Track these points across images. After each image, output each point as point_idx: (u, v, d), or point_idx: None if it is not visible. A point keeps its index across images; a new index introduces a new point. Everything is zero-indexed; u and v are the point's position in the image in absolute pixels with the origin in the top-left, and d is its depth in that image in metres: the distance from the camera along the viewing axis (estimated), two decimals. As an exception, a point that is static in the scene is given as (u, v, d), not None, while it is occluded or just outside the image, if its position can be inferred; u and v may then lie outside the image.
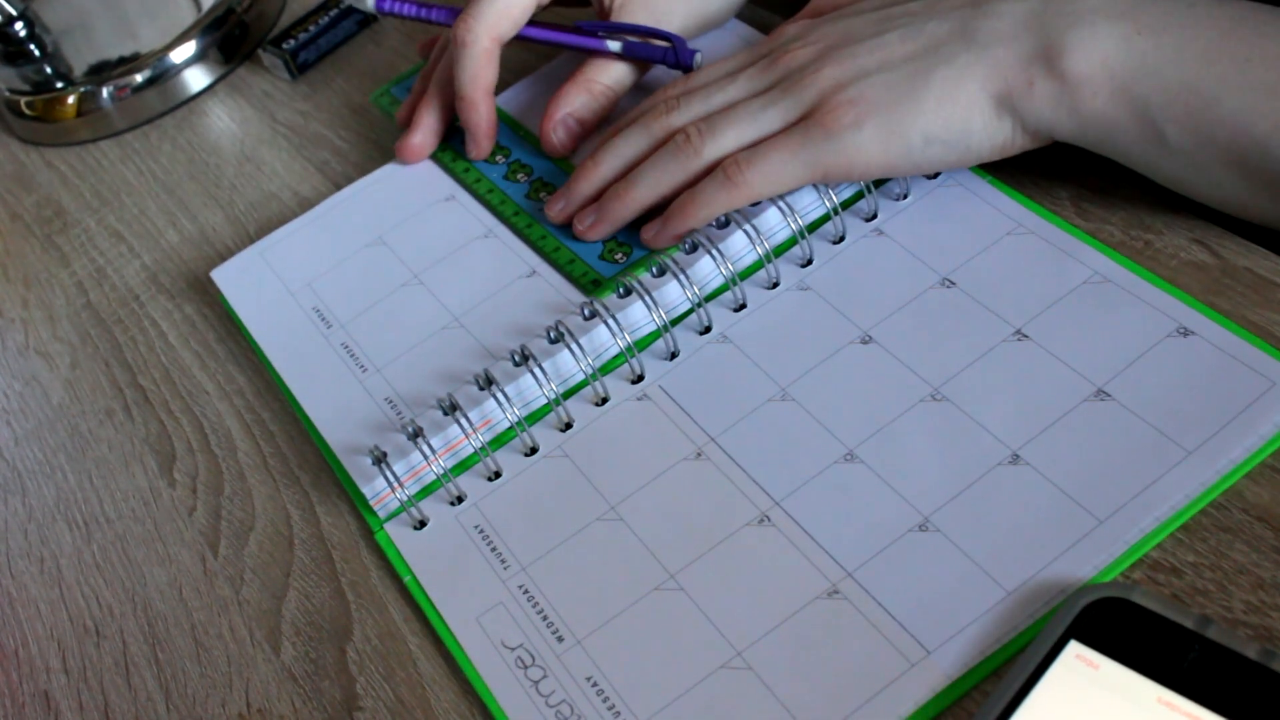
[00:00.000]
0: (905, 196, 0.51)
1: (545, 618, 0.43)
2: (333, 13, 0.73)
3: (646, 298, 0.49)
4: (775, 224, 0.50)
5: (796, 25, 0.53)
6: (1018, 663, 0.36)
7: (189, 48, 0.74)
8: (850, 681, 0.39)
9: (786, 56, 0.51)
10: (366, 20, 0.74)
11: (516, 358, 0.49)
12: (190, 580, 0.50)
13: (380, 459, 0.47)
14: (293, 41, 0.72)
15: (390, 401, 0.51)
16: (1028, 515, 0.41)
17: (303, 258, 0.59)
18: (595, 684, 0.41)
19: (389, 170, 0.62)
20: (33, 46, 0.77)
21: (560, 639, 0.43)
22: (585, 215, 0.54)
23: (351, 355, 0.54)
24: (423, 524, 0.48)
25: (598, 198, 0.54)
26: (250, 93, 0.74)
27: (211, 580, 0.50)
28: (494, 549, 0.46)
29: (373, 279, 0.57)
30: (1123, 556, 0.39)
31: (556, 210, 0.55)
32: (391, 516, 0.48)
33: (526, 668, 0.42)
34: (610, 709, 0.41)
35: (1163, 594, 0.38)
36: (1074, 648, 0.36)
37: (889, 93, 0.47)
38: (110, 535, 0.53)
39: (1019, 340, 0.45)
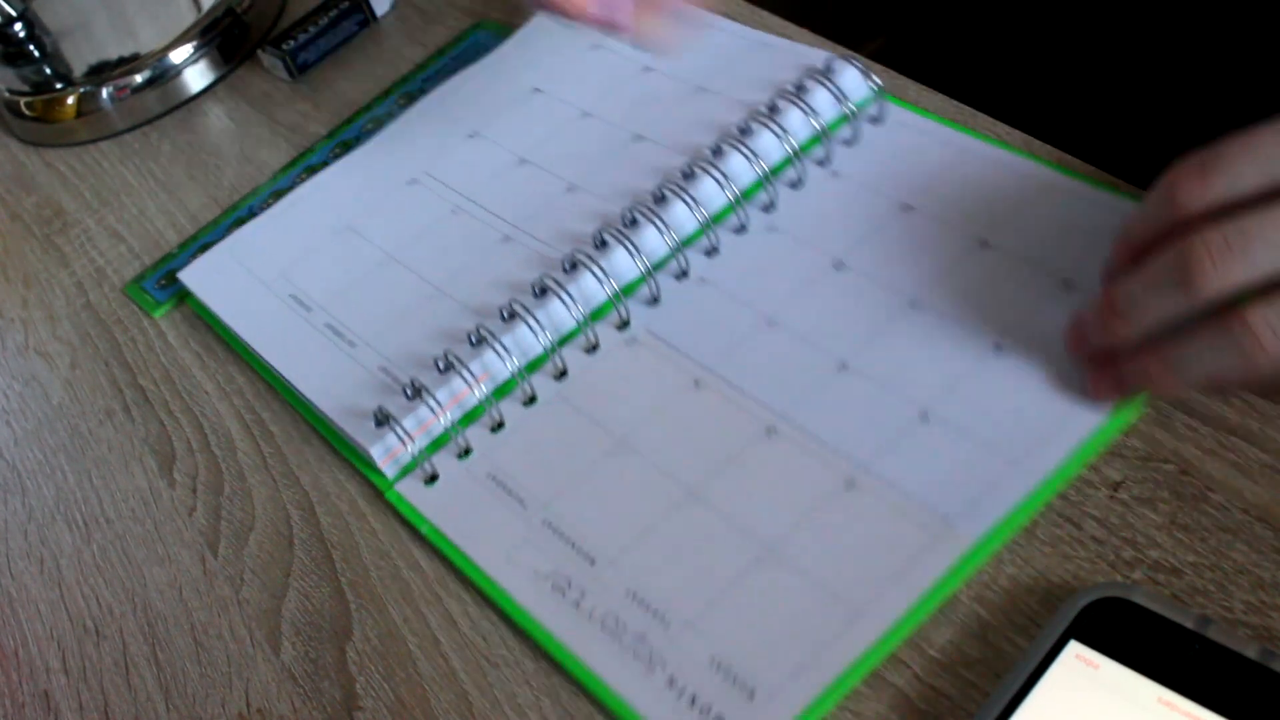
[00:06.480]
0: (856, 142, 0.54)
1: (574, 545, 0.45)
2: (333, 13, 0.73)
3: (627, 243, 0.50)
4: (741, 170, 0.53)
5: None
6: (1018, 663, 0.36)
7: (189, 48, 0.74)
8: (879, 560, 0.41)
9: None
10: (366, 20, 0.74)
11: (505, 313, 0.50)
12: (190, 580, 0.50)
13: (386, 418, 0.48)
14: (292, 42, 0.72)
15: (384, 369, 0.52)
16: (1023, 396, 0.43)
17: (272, 250, 0.60)
18: (636, 595, 0.43)
19: (348, 162, 0.63)
20: (32, 47, 0.77)
21: (592, 562, 0.44)
22: (1101, 380, 0.42)
23: (337, 333, 0.55)
24: (433, 479, 0.48)
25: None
26: (250, 93, 0.74)
27: (211, 580, 0.50)
28: (510, 492, 0.47)
29: (347, 263, 0.58)
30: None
31: (1075, 342, 0.44)
32: (401, 475, 0.49)
33: (565, 591, 0.44)
34: (655, 615, 0.42)
35: (1163, 594, 0.38)
36: (1074, 648, 0.36)
37: None
38: (110, 535, 0.53)
39: (983, 248, 0.47)
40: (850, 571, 0.41)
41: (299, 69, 0.73)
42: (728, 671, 0.40)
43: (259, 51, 0.74)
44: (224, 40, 0.75)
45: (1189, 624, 0.35)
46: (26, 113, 0.75)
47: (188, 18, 0.76)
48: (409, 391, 0.49)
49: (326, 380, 0.53)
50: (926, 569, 0.40)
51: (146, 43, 0.75)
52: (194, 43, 0.74)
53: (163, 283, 0.63)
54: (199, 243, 0.64)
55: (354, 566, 0.48)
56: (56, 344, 0.63)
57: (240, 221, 0.63)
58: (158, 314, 0.62)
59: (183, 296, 0.62)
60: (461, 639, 0.45)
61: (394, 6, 0.75)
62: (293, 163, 0.67)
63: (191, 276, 0.60)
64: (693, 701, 0.40)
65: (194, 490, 0.53)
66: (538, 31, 0.66)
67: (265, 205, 0.64)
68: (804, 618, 0.40)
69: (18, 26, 0.76)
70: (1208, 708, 0.33)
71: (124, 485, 0.55)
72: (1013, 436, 0.42)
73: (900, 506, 0.42)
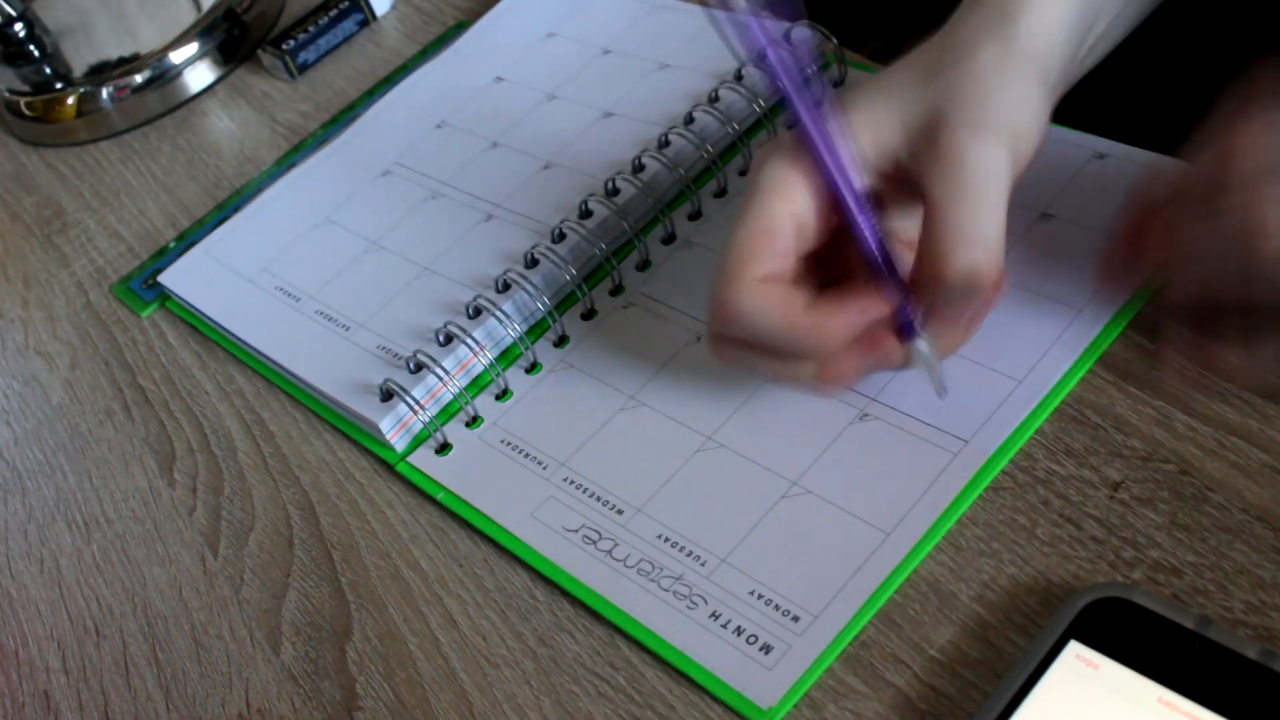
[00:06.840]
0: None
1: (599, 499, 0.45)
2: (332, 13, 0.73)
3: (614, 210, 0.52)
4: (717, 134, 0.54)
5: None
6: (1018, 663, 0.36)
7: (189, 48, 0.74)
8: (899, 481, 0.42)
9: None
10: (366, 20, 0.74)
11: (500, 284, 0.51)
12: (190, 580, 0.50)
13: (393, 391, 0.49)
14: (292, 42, 0.72)
15: (382, 348, 0.53)
16: (1018, 320, 0.44)
17: (252, 248, 0.60)
18: (667, 539, 0.44)
19: (317, 159, 0.64)
20: (32, 47, 0.77)
21: (620, 511, 0.45)
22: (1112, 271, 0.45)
23: (330, 319, 0.55)
24: (445, 448, 0.49)
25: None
26: (250, 93, 0.74)
27: (211, 580, 0.50)
28: (527, 455, 0.48)
29: (331, 253, 0.58)
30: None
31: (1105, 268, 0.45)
32: (412, 448, 0.50)
33: (595, 542, 0.44)
34: (690, 556, 0.43)
35: (1163, 594, 0.38)
36: (1074, 648, 0.36)
37: None
38: (110, 535, 0.53)
39: None
40: (873, 495, 0.42)
41: (299, 69, 0.73)
42: (769, 601, 0.41)
43: (259, 51, 0.74)
44: (224, 40, 0.75)
45: (1189, 624, 0.35)
46: (26, 113, 0.75)
47: (188, 18, 0.76)
48: (411, 365, 0.50)
49: (325, 363, 0.53)
50: (947, 484, 0.42)
51: (146, 43, 0.75)
52: (194, 43, 0.74)
53: (149, 283, 0.63)
54: (186, 241, 0.64)
55: (354, 566, 0.48)
56: (56, 344, 0.63)
57: (227, 220, 0.63)
58: (145, 314, 0.62)
59: (167, 297, 0.62)
60: (461, 639, 0.45)
61: (394, 6, 0.75)
62: (278, 162, 0.67)
63: (172, 279, 0.61)
64: (738, 632, 0.41)
65: (194, 490, 0.53)
66: (495, 24, 0.67)
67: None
68: (836, 543, 0.42)
69: (18, 26, 0.76)
70: (1208, 708, 0.33)
71: (124, 485, 0.55)
72: (1013, 357, 0.44)
73: (913, 431, 0.43)
